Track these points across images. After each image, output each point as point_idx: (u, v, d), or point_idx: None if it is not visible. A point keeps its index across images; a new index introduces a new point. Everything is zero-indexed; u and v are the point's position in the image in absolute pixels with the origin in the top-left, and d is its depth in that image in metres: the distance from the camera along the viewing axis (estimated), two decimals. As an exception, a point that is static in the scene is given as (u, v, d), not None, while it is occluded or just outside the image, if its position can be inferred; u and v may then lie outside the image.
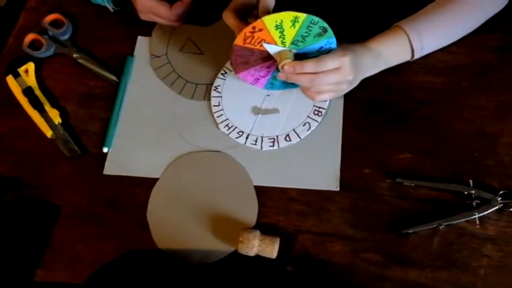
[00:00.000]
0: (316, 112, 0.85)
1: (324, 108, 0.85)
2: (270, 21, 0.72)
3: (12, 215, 0.86)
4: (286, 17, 0.72)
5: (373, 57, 0.80)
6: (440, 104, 0.83)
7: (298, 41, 0.76)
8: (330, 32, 0.75)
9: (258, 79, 0.84)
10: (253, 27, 0.73)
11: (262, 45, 0.76)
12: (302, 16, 0.72)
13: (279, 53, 0.77)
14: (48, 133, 0.91)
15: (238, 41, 0.75)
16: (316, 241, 0.77)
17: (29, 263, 0.82)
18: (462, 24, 0.83)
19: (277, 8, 0.79)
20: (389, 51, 0.81)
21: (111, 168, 0.87)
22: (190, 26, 0.96)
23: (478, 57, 0.85)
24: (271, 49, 0.77)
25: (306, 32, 0.74)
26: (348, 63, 0.75)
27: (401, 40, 0.80)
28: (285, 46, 0.77)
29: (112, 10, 0.99)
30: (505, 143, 0.79)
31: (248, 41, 0.75)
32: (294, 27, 0.73)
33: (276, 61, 0.79)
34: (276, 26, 0.73)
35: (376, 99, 0.85)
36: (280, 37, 0.75)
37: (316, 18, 0.73)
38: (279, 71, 0.77)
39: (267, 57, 0.79)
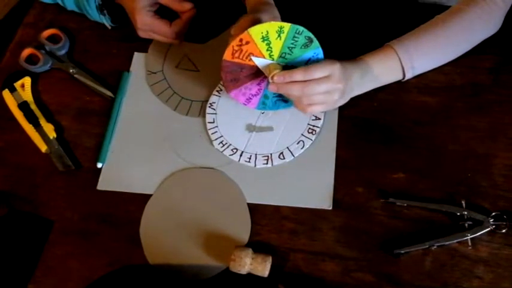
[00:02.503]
0: (310, 130, 0.85)
1: (318, 127, 0.85)
2: (255, 32, 0.73)
3: (5, 229, 0.86)
4: (271, 27, 0.73)
5: (360, 73, 0.80)
6: (434, 124, 0.83)
7: (285, 53, 0.77)
8: (316, 42, 0.77)
9: (250, 98, 0.85)
10: (240, 40, 0.74)
11: (250, 59, 0.77)
12: (287, 26, 0.73)
13: (268, 66, 0.78)
14: (43, 148, 0.91)
15: (227, 55, 0.76)
16: (308, 260, 0.77)
17: (20, 278, 0.81)
18: (454, 46, 0.83)
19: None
20: (378, 69, 0.81)
21: (104, 183, 0.87)
22: (186, 43, 0.97)
23: (471, 78, 0.86)
24: (260, 62, 0.78)
25: (292, 43, 0.75)
26: (338, 71, 0.76)
27: (392, 59, 0.81)
28: (273, 60, 0.77)
29: (109, 27, 0.99)
30: (498, 164, 0.79)
31: (236, 55, 0.76)
32: (280, 39, 0.74)
33: (266, 77, 0.80)
34: (262, 37, 0.74)
35: (370, 119, 0.85)
36: (267, 50, 0.76)
37: (300, 28, 0.74)
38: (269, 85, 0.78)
39: (257, 73, 0.80)
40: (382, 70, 0.82)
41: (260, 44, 0.75)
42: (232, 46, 0.75)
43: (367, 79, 0.81)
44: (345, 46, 0.88)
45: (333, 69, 0.76)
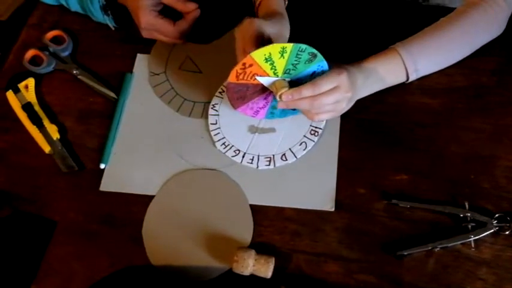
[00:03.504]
0: (312, 132, 0.85)
1: (320, 128, 0.85)
2: (258, 55, 0.72)
3: (8, 230, 0.86)
4: (273, 49, 0.72)
5: (364, 76, 0.80)
6: (437, 126, 0.83)
7: (289, 69, 0.76)
8: (320, 56, 0.75)
9: (258, 111, 0.85)
10: (243, 64, 0.73)
11: (255, 79, 0.76)
12: (289, 46, 0.72)
13: (274, 83, 0.77)
14: (46, 149, 0.91)
15: (231, 78, 0.76)
16: (310, 261, 0.77)
17: (23, 279, 0.82)
18: (458, 48, 0.83)
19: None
20: (382, 72, 0.81)
21: (107, 184, 0.87)
22: (189, 45, 0.97)
23: (474, 80, 0.86)
24: (265, 81, 0.77)
25: (296, 60, 0.75)
26: (346, 81, 0.75)
27: (395, 62, 0.81)
28: (277, 76, 0.77)
29: (113, 28, 1.00)
30: (501, 165, 0.79)
31: (241, 77, 0.76)
32: (284, 58, 0.73)
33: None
34: (265, 59, 0.73)
35: (372, 120, 0.85)
36: (271, 68, 0.75)
37: (303, 46, 0.73)
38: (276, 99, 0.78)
39: (263, 89, 0.80)
40: (386, 73, 0.81)
41: (264, 65, 0.74)
42: (236, 70, 0.74)
43: (370, 82, 0.81)
44: (348, 48, 0.88)
45: (341, 79, 0.75)
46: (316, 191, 0.81)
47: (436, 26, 0.82)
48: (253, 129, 0.87)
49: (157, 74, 0.96)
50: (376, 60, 0.81)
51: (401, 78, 0.83)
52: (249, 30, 0.76)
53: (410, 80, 0.83)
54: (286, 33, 0.82)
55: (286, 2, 0.88)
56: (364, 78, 0.80)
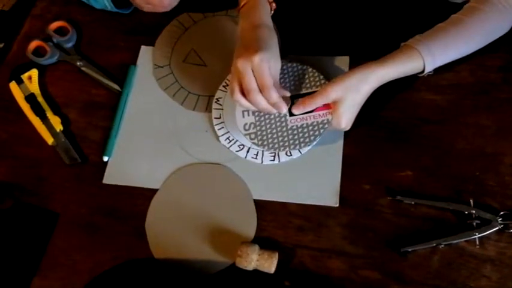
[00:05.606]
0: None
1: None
2: None
3: (10, 222, 0.86)
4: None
5: (371, 86, 0.78)
6: (442, 122, 0.83)
7: None
8: None
9: None
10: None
11: None
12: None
13: None
14: (49, 140, 0.91)
15: None
16: (314, 257, 0.77)
17: (25, 271, 0.81)
18: (473, 45, 0.81)
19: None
20: (400, 74, 0.79)
21: (110, 177, 0.87)
22: (194, 37, 0.97)
23: (481, 76, 0.85)
24: None
25: None
26: (345, 125, 0.79)
27: (418, 62, 0.78)
28: None
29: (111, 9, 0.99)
30: (507, 163, 0.78)
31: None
32: None
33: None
34: None
35: (378, 116, 0.85)
36: None
37: None
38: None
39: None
40: (402, 73, 0.79)
41: None
42: None
43: (381, 82, 0.79)
44: (349, 43, 0.89)
45: (340, 127, 0.79)
46: (321, 187, 0.81)
47: (451, 23, 0.80)
48: (258, 124, 0.87)
49: (162, 67, 0.95)
50: (395, 63, 0.78)
51: (416, 70, 0.81)
52: (264, 69, 0.75)
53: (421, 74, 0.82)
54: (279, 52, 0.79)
55: (273, 11, 0.85)
56: (372, 88, 0.78)
